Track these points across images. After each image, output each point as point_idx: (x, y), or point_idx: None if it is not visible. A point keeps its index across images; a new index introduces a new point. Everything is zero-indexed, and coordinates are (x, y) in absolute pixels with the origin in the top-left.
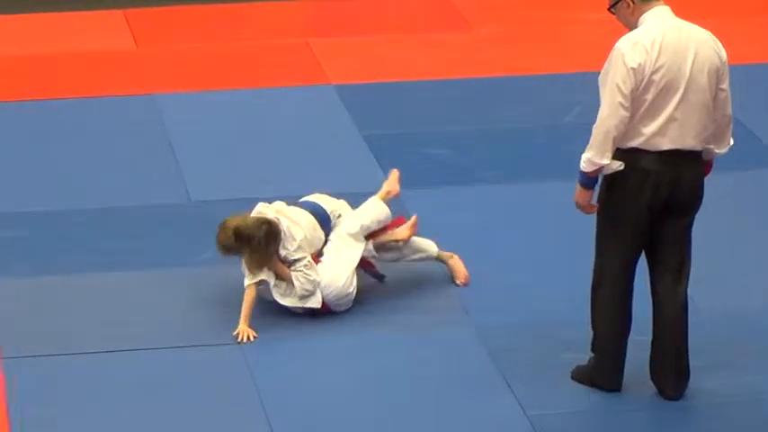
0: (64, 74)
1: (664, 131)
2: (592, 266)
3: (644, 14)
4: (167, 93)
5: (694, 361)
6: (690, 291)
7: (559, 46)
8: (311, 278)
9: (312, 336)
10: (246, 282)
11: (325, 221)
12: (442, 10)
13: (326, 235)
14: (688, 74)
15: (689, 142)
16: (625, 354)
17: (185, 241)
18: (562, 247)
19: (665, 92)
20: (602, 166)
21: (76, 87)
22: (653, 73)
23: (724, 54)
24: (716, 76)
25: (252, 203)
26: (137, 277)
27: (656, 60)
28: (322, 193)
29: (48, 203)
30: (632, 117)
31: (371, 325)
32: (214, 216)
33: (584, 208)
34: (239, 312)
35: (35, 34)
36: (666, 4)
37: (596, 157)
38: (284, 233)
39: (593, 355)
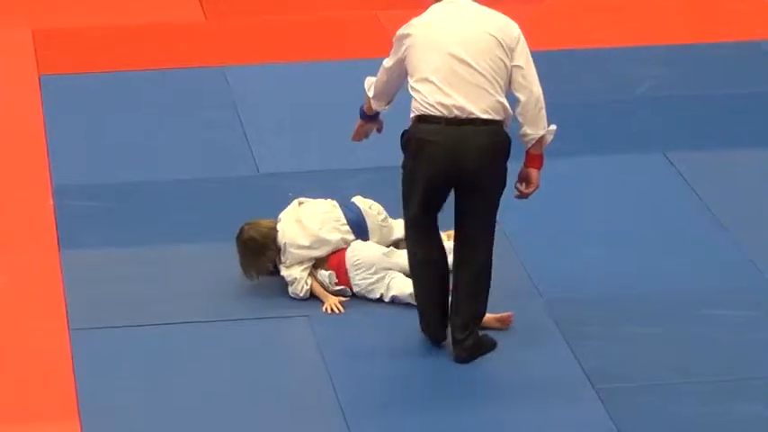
0: (133, 46)
1: (439, 97)
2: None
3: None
4: (236, 65)
5: None
6: None
7: (630, 18)
8: (291, 288)
9: (376, 308)
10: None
11: (357, 224)
12: None
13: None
14: (455, 40)
15: (472, 109)
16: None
17: (254, 214)
18: (631, 222)
19: (431, 57)
20: (368, 97)
21: (145, 59)
22: (412, 38)
23: (513, 32)
24: (500, 48)
25: (320, 176)
26: (205, 249)
27: (418, 28)
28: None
29: (117, 176)
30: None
31: None
32: (282, 188)
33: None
34: None
35: (104, 6)
36: None
37: (369, 87)
38: (282, 245)
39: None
